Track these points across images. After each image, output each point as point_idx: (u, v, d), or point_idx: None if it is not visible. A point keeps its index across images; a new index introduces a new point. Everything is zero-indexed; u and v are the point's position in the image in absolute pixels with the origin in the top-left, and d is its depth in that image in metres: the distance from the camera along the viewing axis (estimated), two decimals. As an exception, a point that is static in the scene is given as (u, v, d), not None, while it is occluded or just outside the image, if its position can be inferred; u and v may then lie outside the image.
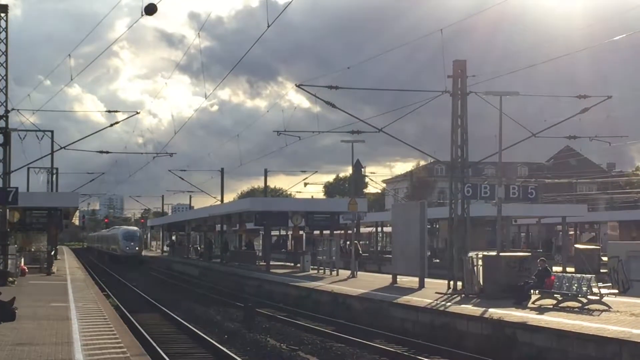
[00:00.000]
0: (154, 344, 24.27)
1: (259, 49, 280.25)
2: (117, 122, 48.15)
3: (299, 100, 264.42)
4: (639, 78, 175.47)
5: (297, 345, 26.03)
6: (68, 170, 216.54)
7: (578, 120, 40.53)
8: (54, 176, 75.44)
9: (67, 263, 74.51)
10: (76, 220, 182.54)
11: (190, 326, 30.34)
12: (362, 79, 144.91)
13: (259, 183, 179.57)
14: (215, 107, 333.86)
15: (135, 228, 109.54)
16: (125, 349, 19.17)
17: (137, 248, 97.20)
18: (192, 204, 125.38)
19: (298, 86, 38.89)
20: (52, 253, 59.12)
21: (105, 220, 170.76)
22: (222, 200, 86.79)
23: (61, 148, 48.79)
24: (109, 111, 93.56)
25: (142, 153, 71.16)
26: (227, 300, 42.62)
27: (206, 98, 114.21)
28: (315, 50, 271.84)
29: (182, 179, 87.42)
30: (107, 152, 58.97)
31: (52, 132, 57.67)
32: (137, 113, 47.34)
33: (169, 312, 36.01)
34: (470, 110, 36.97)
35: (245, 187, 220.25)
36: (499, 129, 34.90)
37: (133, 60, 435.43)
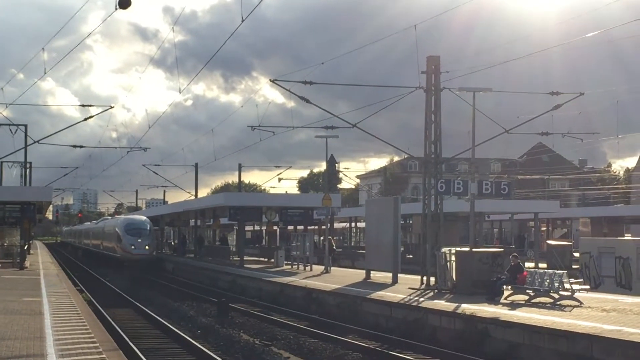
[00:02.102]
0: (127, 339, 24.22)
1: (233, 43, 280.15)
2: (91, 116, 48.04)
3: (273, 95, 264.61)
4: (611, 75, 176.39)
5: (270, 341, 26.06)
6: (41, 165, 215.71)
7: (551, 117, 40.81)
8: (27, 170, 74.93)
9: (40, 258, 74.21)
10: (50, 215, 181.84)
11: (164, 321, 30.28)
12: (337, 75, 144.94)
13: (233, 178, 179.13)
14: (190, 102, 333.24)
15: (142, 218, 74.58)
16: (97, 344, 19.13)
17: (147, 247, 67.72)
18: (166, 199, 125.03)
19: (272, 81, 38.88)
20: (25, 248, 58.81)
21: (79, 215, 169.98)
22: (196, 195, 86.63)
23: (35, 142, 48.73)
24: (83, 105, 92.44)
25: (116, 147, 70.71)
26: (201, 295, 42.59)
27: (180, 92, 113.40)
28: (290, 45, 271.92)
29: (156, 173, 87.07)
30: (81, 147, 58.80)
31: (25, 126, 57.51)
32: (111, 107, 47.27)
33: (142, 307, 35.93)
34: (445, 107, 37.14)
35: (219, 182, 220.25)
36: (472, 125, 35.04)
37: (107, 54, 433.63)
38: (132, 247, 66.91)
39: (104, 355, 17.62)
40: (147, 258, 67.60)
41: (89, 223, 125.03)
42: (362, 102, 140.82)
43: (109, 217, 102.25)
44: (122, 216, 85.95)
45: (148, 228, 69.81)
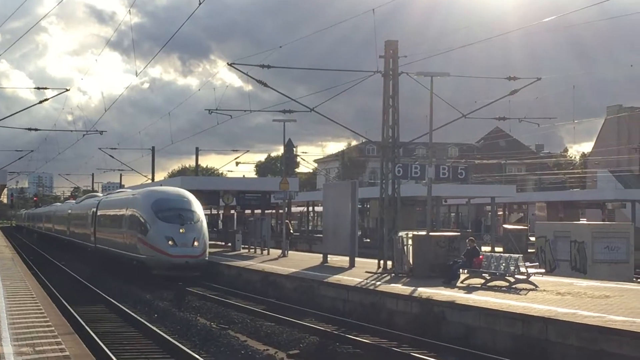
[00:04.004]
0: (83, 323, 24.07)
1: (190, 26, 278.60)
2: (46, 99, 47.35)
3: (231, 78, 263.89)
4: (568, 60, 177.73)
5: (227, 324, 26.02)
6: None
7: (508, 102, 41.01)
8: (-19, 153, 73.90)
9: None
10: (4, 198, 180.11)
11: (120, 305, 30.12)
12: (296, 58, 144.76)
13: (190, 162, 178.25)
14: (146, 85, 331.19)
15: (180, 191, 45.65)
16: (53, 328, 19.02)
17: (195, 242, 40.70)
18: (122, 183, 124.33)
19: (230, 65, 38.72)
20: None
21: (35, 199, 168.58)
22: (152, 179, 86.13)
23: (-12, 125, 47.97)
24: (38, 88, 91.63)
25: (71, 131, 69.92)
26: (158, 279, 42.41)
27: (137, 75, 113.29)
28: (248, 28, 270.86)
29: (113, 157, 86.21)
30: (36, 130, 58.05)
31: (-21, 108, 56.54)
32: (67, 90, 46.64)
33: (98, 291, 35.71)
34: (405, 91, 37.23)
35: (176, 165, 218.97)
36: (430, 109, 35.13)
37: (62, 36, 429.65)
38: (170, 243, 40.22)
39: (59, 339, 17.51)
40: (198, 263, 40.59)
41: (58, 204, 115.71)
42: (321, 86, 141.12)
43: (123, 190, 65.78)
44: (141, 190, 50.95)
45: (194, 208, 42.60)
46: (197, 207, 43.07)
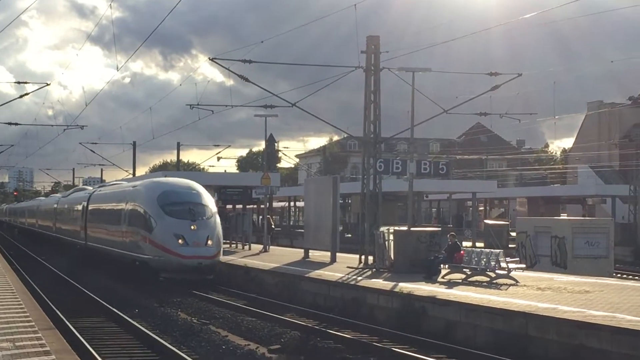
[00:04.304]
0: (63, 317, 23.99)
1: (172, 21, 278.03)
2: (26, 94, 47.22)
3: (212, 73, 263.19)
4: (549, 55, 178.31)
5: (208, 319, 26.00)
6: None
7: (489, 98, 41.12)
8: (-39, 148, 73.59)
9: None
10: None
11: (101, 300, 30.00)
12: (279, 54, 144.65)
13: (171, 157, 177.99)
14: (128, 80, 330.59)
15: (188, 182, 40.31)
16: (33, 323, 18.95)
17: (209, 241, 36.05)
18: (103, 178, 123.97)
19: (212, 60, 38.69)
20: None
21: (15, 193, 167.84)
22: (134, 174, 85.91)
23: (-32, 119, 47.65)
24: (18, 82, 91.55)
25: (52, 125, 69.79)
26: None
27: (118, 70, 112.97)
28: (230, 23, 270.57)
29: (94, 152, 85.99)
30: (16, 124, 57.83)
31: (-41, 102, 56.32)
32: (47, 84, 46.52)
33: (79, 286, 35.58)
34: (387, 87, 37.28)
35: (157, 160, 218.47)
36: (412, 105, 35.15)
37: (43, 30, 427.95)
38: (180, 242, 35.38)
39: (39, 334, 17.45)
40: (212, 265, 36.10)
41: (42, 198, 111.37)
42: (303, 81, 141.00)
43: (120, 181, 61.81)
44: (147, 181, 44.55)
45: (206, 202, 37.80)
46: (209, 200, 38.47)
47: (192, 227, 35.71)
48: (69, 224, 59.74)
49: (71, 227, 58.44)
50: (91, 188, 64.45)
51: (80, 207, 54.62)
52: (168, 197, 37.59)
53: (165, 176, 48.97)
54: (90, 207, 51.07)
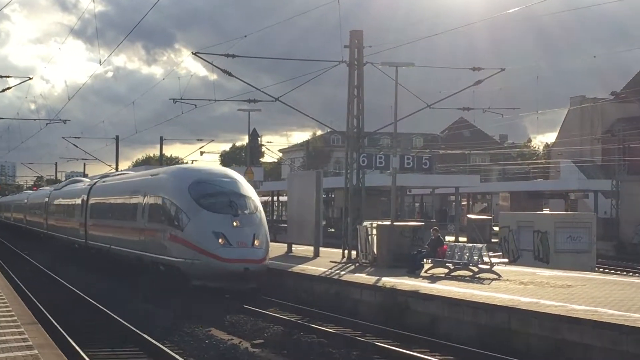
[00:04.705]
0: (46, 313, 23.90)
1: (155, 15, 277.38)
2: (8, 88, 46.93)
3: (196, 67, 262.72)
4: (533, 50, 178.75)
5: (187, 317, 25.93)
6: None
7: (472, 92, 41.17)
8: (-57, 142, 73.03)
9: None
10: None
11: (82, 294, 29.86)
12: (262, 48, 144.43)
13: (154, 151, 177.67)
14: (110, 74, 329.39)
15: (229, 172, 33.59)
16: (16, 317, 18.90)
17: (255, 242, 29.09)
18: (86, 172, 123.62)
19: (195, 54, 38.61)
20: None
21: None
22: (116, 168, 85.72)
23: (-50, 113, 47.43)
24: (0, 76, 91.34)
25: (34, 119, 69.40)
26: (120, 269, 42.07)
27: (101, 64, 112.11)
28: (214, 17, 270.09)
29: (76, 146, 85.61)
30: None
31: (-60, 96, 55.93)
32: (30, 79, 46.25)
33: (62, 281, 35.40)
34: (371, 81, 37.30)
35: (140, 155, 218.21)
36: (395, 99, 35.20)
37: (25, 24, 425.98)
38: (221, 242, 28.82)
39: (22, 329, 17.41)
40: (260, 271, 29.40)
41: (29, 191, 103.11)
42: (286, 76, 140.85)
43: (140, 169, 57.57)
44: (172, 168, 38.65)
45: (248, 193, 31.44)
46: (252, 191, 31.85)
47: (235, 224, 28.99)
48: (65, 220, 54.15)
49: (67, 223, 52.73)
50: (89, 180, 57.67)
51: (78, 201, 49.23)
52: (202, 187, 30.86)
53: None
54: (91, 201, 45.74)
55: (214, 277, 28.37)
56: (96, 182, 49.27)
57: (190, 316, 25.17)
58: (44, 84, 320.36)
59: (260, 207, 31.26)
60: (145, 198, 34.18)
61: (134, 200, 36.12)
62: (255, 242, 28.83)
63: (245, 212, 29.83)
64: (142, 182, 37.59)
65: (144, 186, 35.67)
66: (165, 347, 19.23)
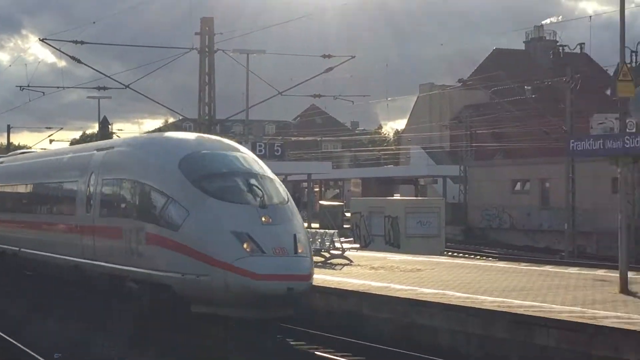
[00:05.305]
0: None
1: (1, 0, 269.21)
2: None
3: (43, 54, 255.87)
4: (382, 38, 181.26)
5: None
6: None
7: (323, 80, 41.52)
8: None
9: None
10: None
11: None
12: (113, 35, 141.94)
13: (1, 140, 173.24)
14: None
15: (232, 145, 21.99)
16: None
17: (300, 249, 17.54)
18: None
19: (42, 40, 37.78)
20: None
21: None
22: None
23: None
24: None
25: None
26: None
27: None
28: (62, 3, 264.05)
29: None
30: None
31: None
32: None
33: None
34: (223, 68, 37.16)
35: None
36: (246, 86, 35.27)
37: None
38: (246, 247, 17.03)
39: None
40: (304, 291, 18.03)
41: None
42: (138, 63, 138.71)
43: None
44: (107, 142, 27.52)
45: (269, 173, 20.00)
46: (271, 172, 20.52)
47: (264, 219, 17.81)
48: None
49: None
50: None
51: None
52: (202, 162, 19.53)
53: None
54: None
55: (234, 301, 17.20)
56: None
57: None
58: None
59: (289, 196, 19.93)
60: (93, 182, 22.60)
61: (68, 186, 25.05)
62: (299, 247, 17.84)
63: (275, 201, 18.75)
64: (82, 159, 24.66)
65: (89, 165, 23.33)
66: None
